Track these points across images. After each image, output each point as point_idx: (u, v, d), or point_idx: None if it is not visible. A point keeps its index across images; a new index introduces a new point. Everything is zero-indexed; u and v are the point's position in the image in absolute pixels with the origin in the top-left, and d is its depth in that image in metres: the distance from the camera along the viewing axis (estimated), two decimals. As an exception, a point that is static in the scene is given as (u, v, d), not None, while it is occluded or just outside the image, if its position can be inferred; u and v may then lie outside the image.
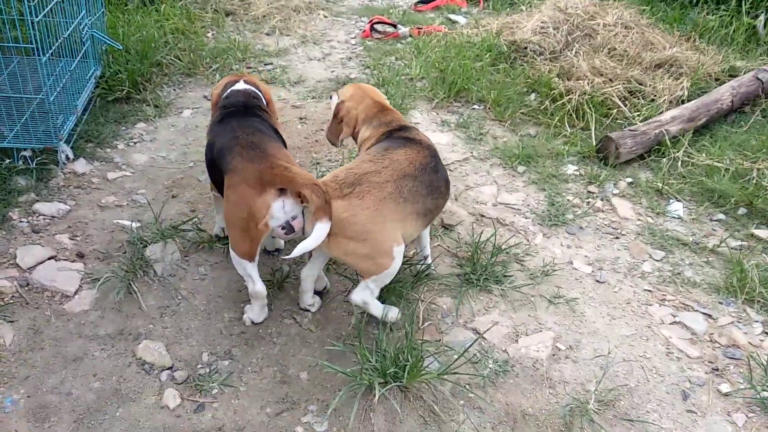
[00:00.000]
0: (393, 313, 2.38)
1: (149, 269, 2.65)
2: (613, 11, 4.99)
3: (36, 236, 2.82)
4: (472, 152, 3.64)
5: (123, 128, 3.76)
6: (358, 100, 2.65)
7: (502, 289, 2.61)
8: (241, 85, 2.66)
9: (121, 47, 4.05)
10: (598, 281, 2.70)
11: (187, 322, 2.43)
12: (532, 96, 4.21)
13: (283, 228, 2.20)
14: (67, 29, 3.50)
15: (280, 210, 2.15)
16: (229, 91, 2.64)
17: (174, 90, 4.24)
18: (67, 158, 3.35)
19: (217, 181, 2.39)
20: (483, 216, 3.10)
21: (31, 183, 3.14)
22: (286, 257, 2.35)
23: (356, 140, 2.69)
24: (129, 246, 2.77)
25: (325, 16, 5.75)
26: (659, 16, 5.16)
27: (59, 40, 3.32)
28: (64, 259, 2.69)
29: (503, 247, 2.79)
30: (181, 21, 4.90)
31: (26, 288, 2.52)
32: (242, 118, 2.46)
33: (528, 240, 2.93)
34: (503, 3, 5.93)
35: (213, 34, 5.08)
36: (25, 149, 3.26)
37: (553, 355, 2.32)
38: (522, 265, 2.78)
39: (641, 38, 4.64)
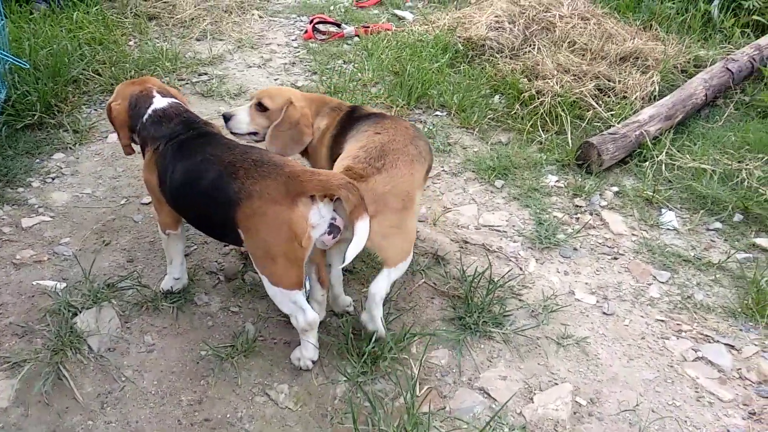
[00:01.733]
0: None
1: (82, 345, 2.17)
2: (567, 2, 4.75)
3: (-67, 312, 2.28)
4: (443, 166, 3.30)
5: (37, 161, 3.21)
6: (301, 98, 2.53)
7: (504, 334, 2.28)
8: (162, 102, 2.27)
9: (28, 65, 3.47)
10: (605, 314, 2.42)
11: (136, 412, 1.98)
12: (497, 98, 3.91)
13: (329, 233, 1.98)
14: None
15: (318, 217, 1.94)
16: (151, 112, 2.24)
17: (95, 110, 3.70)
18: (-28, 207, 2.79)
19: (204, 220, 2.14)
20: (467, 242, 2.76)
21: (-76, 240, 2.58)
22: (341, 266, 2.11)
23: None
24: (54, 316, 2.27)
25: (260, 17, 5.27)
26: (613, 5, 4.96)
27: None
28: (-28, 340, 2.18)
29: (497, 280, 2.47)
30: (98, 29, 4.32)
31: (-77, 386, 2.00)
32: (208, 140, 2.14)
33: (521, 269, 2.62)
34: (450, -5, 5.61)
35: (136, 42, 4.52)
36: None
37: (575, 413, 2.01)
38: (520, 300, 2.46)
39: (600, 30, 4.42)
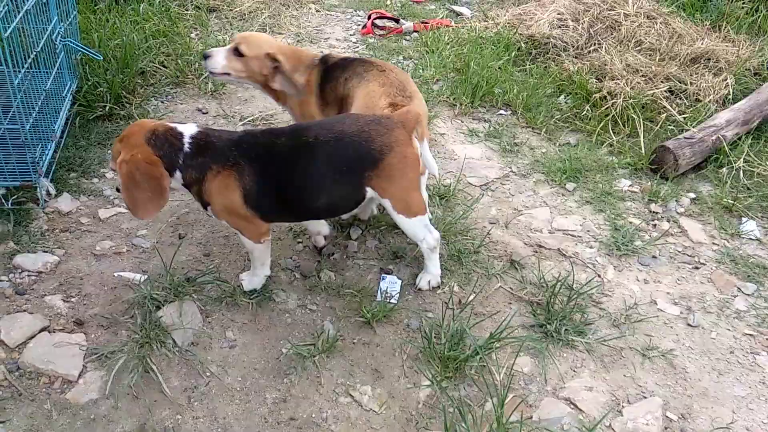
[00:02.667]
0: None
1: (167, 338, 2.19)
2: (632, 0, 4.64)
3: (21, 300, 2.33)
4: (510, 167, 3.25)
5: (109, 152, 3.24)
6: (279, 51, 2.66)
7: (586, 343, 2.24)
8: (190, 128, 2.16)
9: (100, 57, 3.51)
10: (690, 325, 2.35)
11: (222, 408, 2.00)
12: (562, 98, 3.84)
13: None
14: (39, 40, 2.96)
15: (419, 148, 2.25)
16: (190, 141, 2.12)
17: (162, 102, 3.73)
18: (49, 194, 2.84)
19: (334, 200, 2.23)
20: (542, 247, 2.72)
21: (8, 229, 2.63)
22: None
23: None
24: (138, 308, 2.30)
25: (317, 10, 5.26)
26: (678, 4, 4.82)
27: (32, 56, 2.79)
28: (60, 330, 2.22)
29: (576, 287, 2.42)
30: (162, 21, 4.35)
31: (17, 374, 2.04)
32: (288, 134, 2.21)
33: (600, 276, 2.57)
34: (507, -9, 5.52)
35: (197, 35, 4.54)
36: (-3, 188, 2.74)
37: (666, 428, 1.97)
38: (601, 308, 2.41)
39: (668, 29, 4.31)
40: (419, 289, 2.46)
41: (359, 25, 4.97)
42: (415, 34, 4.76)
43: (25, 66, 2.68)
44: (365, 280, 2.51)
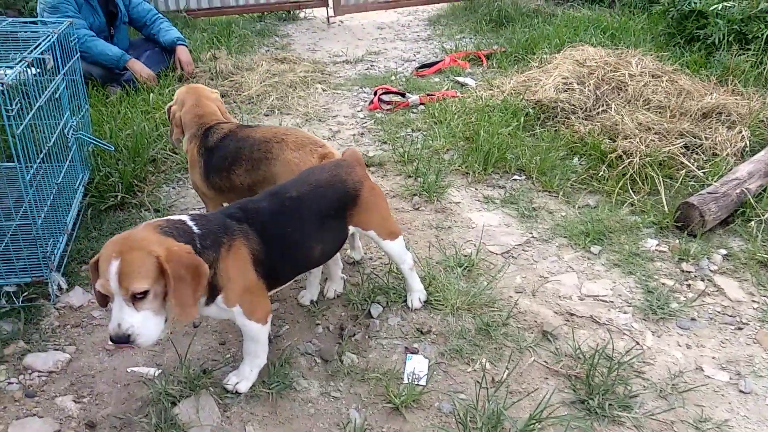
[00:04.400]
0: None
1: (184, 438, 2.05)
2: (634, 60, 4.68)
3: (31, 402, 2.21)
4: (531, 233, 3.16)
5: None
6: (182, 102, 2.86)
7: (634, 418, 2.07)
8: (184, 215, 2.07)
9: (112, 148, 3.54)
10: (742, 392, 2.18)
11: None
12: (575, 160, 3.80)
13: None
14: (51, 134, 2.98)
15: None
16: (199, 234, 1.97)
17: (173, 189, 3.73)
18: (60, 289, 2.78)
19: (322, 247, 2.28)
20: (573, 315, 2.59)
21: (18, 327, 2.55)
22: None
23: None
24: (152, 406, 2.17)
25: (324, 90, 5.35)
26: (682, 62, 4.86)
27: (44, 150, 2.80)
28: (71, 434, 2.09)
29: (615, 356, 2.28)
30: (173, 109, 4.41)
31: (25, 486, 1.91)
32: (269, 198, 2.21)
33: (638, 343, 2.42)
34: (509, 61, 5.61)
35: (207, 120, 4.60)
36: (7, 285, 2.67)
37: None
38: (644, 379, 2.25)
39: (674, 87, 4.31)
40: (414, 309, 2.61)
41: (366, 101, 5.03)
42: (422, 106, 4.80)
43: (37, 161, 2.68)
44: (390, 361, 2.38)
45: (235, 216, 2.08)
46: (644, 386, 2.22)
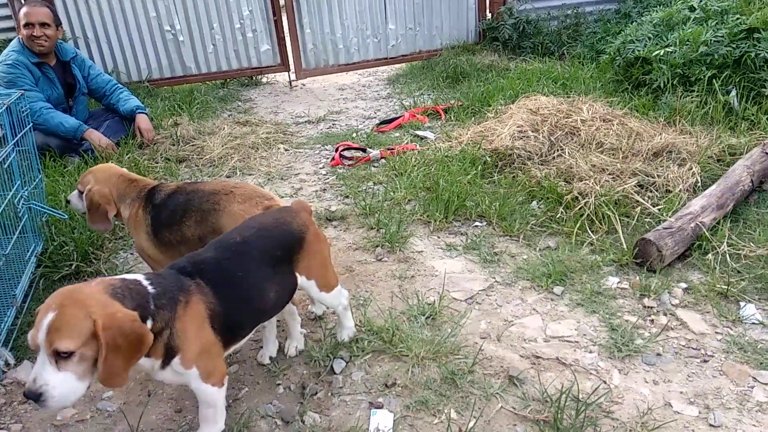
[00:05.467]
0: None
1: None
2: (585, 106, 4.83)
3: (-31, 489, 2.06)
4: (494, 277, 3.15)
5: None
6: (103, 180, 2.87)
7: (605, 460, 2.01)
8: (137, 274, 2.00)
9: (66, 216, 3.47)
10: (712, 425, 2.15)
11: None
12: (534, 204, 3.84)
13: None
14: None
15: None
16: (154, 293, 1.88)
17: (132, 254, 3.64)
18: (8, 365, 2.65)
19: (275, 294, 2.22)
20: (539, 357, 2.54)
21: (-41, 408, 2.40)
22: None
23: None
24: (101, 483, 2.04)
25: (286, 149, 5.38)
26: (630, 106, 5.03)
27: (-10, 221, 2.73)
28: None
29: (582, 397, 2.23)
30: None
31: None
32: (216, 251, 2.15)
33: (605, 382, 2.38)
34: (466, 113, 5.74)
35: (167, 185, 4.56)
36: (-51, 363, 2.54)
37: None
38: (613, 418, 2.20)
39: (625, 129, 4.44)
40: (342, 342, 2.64)
41: (327, 158, 5.07)
42: (383, 160, 4.85)
43: (-18, 231, 2.60)
44: (354, 417, 2.29)
45: (186, 270, 2.01)
46: (613, 426, 2.17)
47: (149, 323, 1.80)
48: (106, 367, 1.65)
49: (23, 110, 3.37)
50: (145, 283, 1.88)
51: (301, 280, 2.32)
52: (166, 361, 1.89)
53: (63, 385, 1.63)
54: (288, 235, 2.26)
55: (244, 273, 2.10)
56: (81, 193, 2.92)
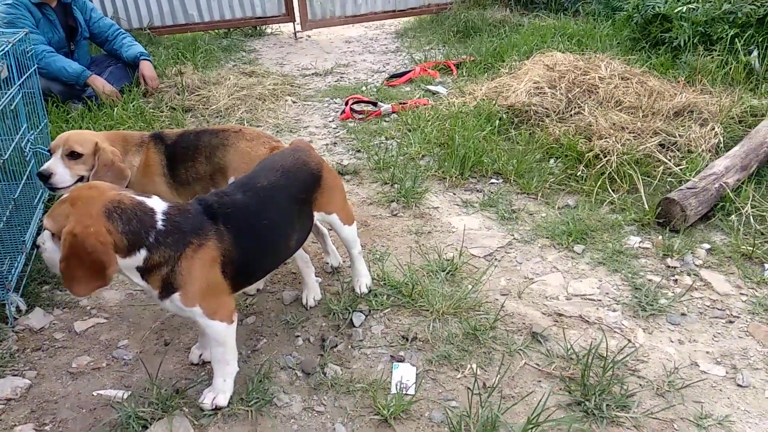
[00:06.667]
0: None
1: (156, 463, 1.90)
2: (603, 64, 4.70)
3: (-13, 433, 2.03)
4: (512, 235, 3.09)
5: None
6: (105, 139, 2.59)
7: (633, 418, 1.99)
8: (160, 203, 1.95)
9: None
10: (740, 386, 2.12)
11: None
12: (551, 162, 3.76)
13: None
14: (5, 149, 2.81)
15: None
16: (162, 218, 1.87)
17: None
18: (19, 311, 2.60)
19: (295, 235, 2.21)
20: (561, 315, 2.51)
21: (-28, 353, 2.36)
22: None
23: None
24: (121, 430, 2.01)
25: (294, 102, 5.25)
26: (648, 65, 4.90)
27: (-1, 164, 2.63)
28: (31, 465, 1.91)
29: (607, 354, 2.20)
30: (137, 124, 4.27)
31: None
32: (240, 186, 2.14)
33: (630, 340, 2.35)
34: (479, 69, 5.60)
35: (174, 134, 4.45)
36: (-40, 308, 2.49)
37: None
38: (639, 377, 2.18)
39: (644, 88, 4.33)
40: (361, 293, 2.61)
41: (337, 111, 4.95)
42: (395, 115, 4.73)
43: (-9, 174, 2.51)
44: (376, 371, 2.26)
45: (212, 212, 1.96)
46: (640, 385, 2.14)
47: (142, 253, 1.80)
48: (65, 269, 1.71)
49: (28, 50, 3.23)
50: (159, 216, 1.83)
51: (322, 216, 2.36)
52: (163, 294, 1.89)
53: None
54: (309, 176, 2.26)
55: (270, 222, 2.06)
56: (74, 155, 2.55)
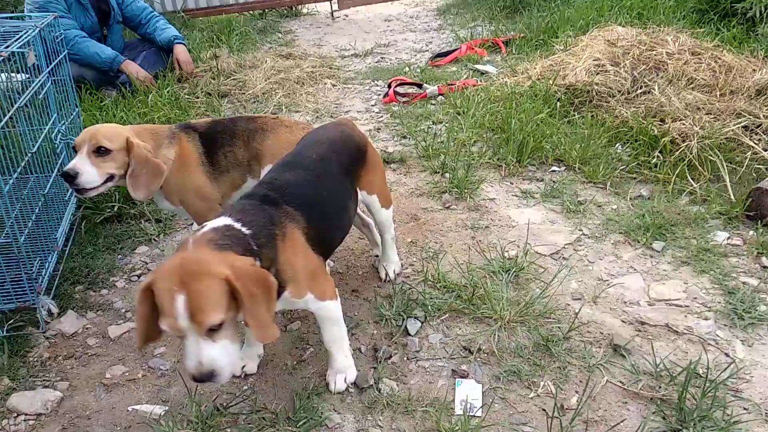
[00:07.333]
0: None
1: (196, 494, 1.70)
2: (670, 38, 4.30)
3: (15, 454, 1.86)
4: (580, 229, 2.79)
5: (120, 257, 2.86)
6: (134, 134, 2.32)
7: (743, 451, 1.70)
8: (225, 217, 1.76)
9: (106, 153, 3.18)
10: None
11: None
12: (617, 147, 3.42)
13: None
14: (35, 140, 2.64)
15: None
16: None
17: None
18: (51, 314, 2.43)
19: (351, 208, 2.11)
20: (644, 324, 2.21)
21: (2, 361, 2.20)
22: None
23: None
24: (158, 454, 1.82)
25: (334, 85, 5.00)
26: (719, 38, 4.47)
27: (26, 157, 2.46)
28: (62, 493, 1.73)
29: (706, 372, 1.90)
30: (173, 111, 4.08)
31: None
32: (292, 171, 1.98)
33: (728, 355, 2.05)
34: (530, 46, 5.24)
35: (211, 121, 4.25)
36: (-11, 313, 2.33)
37: None
38: (743, 399, 1.88)
39: (718, 64, 3.93)
40: (386, 279, 2.51)
41: (379, 94, 4.68)
42: (441, 97, 4.44)
43: (17, 170, 2.33)
44: (436, 387, 2.02)
45: (269, 198, 1.80)
46: (745, 408, 1.85)
47: (257, 264, 1.62)
48: (254, 317, 1.52)
49: (57, 35, 3.05)
50: (237, 225, 1.66)
51: (363, 195, 2.24)
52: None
53: (226, 354, 1.52)
54: (355, 149, 2.15)
55: (329, 192, 1.96)
56: (103, 150, 2.25)
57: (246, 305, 1.48)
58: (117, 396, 2.08)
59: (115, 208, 3.10)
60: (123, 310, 2.50)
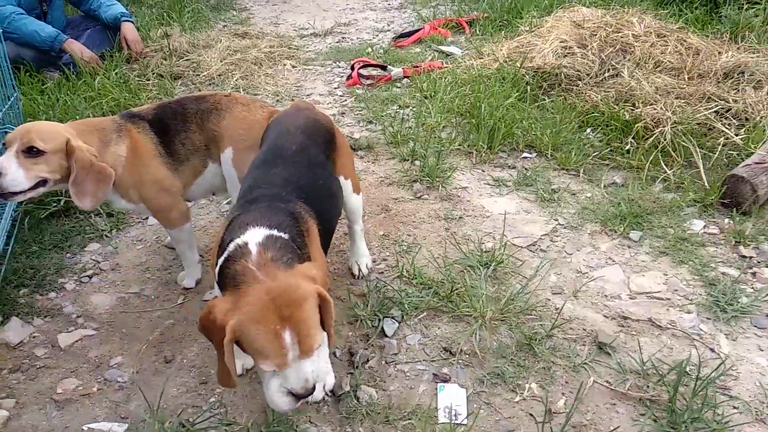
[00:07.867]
0: None
1: None
2: (635, 19, 4.26)
3: (-46, 486, 1.67)
4: (556, 219, 2.72)
5: (68, 255, 2.64)
6: (76, 134, 2.05)
7: (736, 452, 1.66)
8: (257, 230, 1.63)
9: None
10: None
11: None
12: (588, 132, 3.36)
13: None
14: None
15: None
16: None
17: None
18: (-9, 324, 2.21)
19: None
20: (627, 318, 2.16)
21: (-64, 379, 1.99)
22: None
23: None
24: (118, 480, 1.66)
25: (294, 66, 4.78)
26: (686, 18, 4.46)
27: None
28: None
29: (694, 369, 1.86)
30: (122, 95, 3.81)
31: None
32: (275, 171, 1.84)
33: (713, 350, 2.01)
34: (494, 27, 5.13)
35: (164, 105, 4.00)
36: None
37: None
38: (732, 398, 1.84)
39: (685, 46, 3.91)
40: (362, 276, 2.39)
41: (342, 76, 4.50)
42: (407, 79, 4.30)
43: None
44: (417, 393, 1.91)
45: (281, 197, 1.68)
46: (734, 407, 1.81)
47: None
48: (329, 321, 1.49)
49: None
50: (276, 233, 1.54)
51: (340, 180, 2.11)
52: None
53: (325, 360, 1.55)
54: (325, 132, 2.03)
55: (324, 181, 1.88)
56: (34, 151, 1.97)
57: (328, 312, 1.46)
58: (70, 413, 1.90)
59: (62, 202, 2.86)
60: (74, 315, 2.30)
